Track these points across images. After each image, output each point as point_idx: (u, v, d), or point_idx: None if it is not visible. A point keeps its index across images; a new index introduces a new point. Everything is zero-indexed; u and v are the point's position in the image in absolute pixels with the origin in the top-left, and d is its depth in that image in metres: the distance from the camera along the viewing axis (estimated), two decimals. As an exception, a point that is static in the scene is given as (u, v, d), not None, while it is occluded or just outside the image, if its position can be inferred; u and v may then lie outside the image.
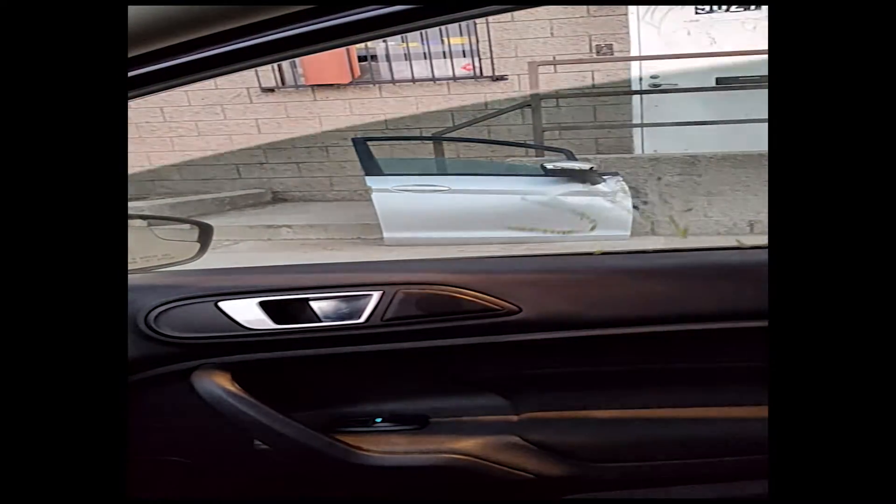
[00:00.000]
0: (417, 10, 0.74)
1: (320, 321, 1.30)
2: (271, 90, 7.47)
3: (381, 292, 1.29)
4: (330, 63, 7.24)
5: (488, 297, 1.29)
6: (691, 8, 6.73)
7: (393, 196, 5.08)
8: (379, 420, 1.44)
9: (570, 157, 5.52)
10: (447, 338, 1.33)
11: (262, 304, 1.29)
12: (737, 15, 6.67)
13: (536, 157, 6.01)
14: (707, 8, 6.69)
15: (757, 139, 5.84)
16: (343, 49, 7.09)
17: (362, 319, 1.29)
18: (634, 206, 5.21)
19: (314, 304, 1.30)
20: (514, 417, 1.43)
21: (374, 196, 5.07)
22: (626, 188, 5.16)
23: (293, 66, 7.47)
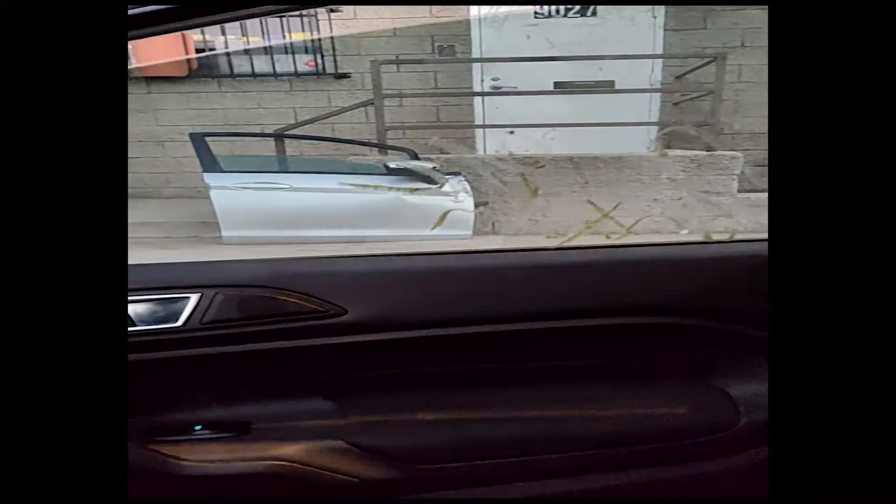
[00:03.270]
0: None
1: (134, 325, 1.23)
2: (101, 81, 7.07)
3: (200, 294, 1.25)
4: (165, 55, 6.95)
5: (313, 299, 1.27)
6: (531, 12, 6.92)
7: (232, 193, 4.94)
8: (198, 428, 1.38)
9: (413, 156, 5.56)
10: (270, 340, 1.30)
11: None
12: (574, 20, 6.92)
13: (380, 156, 6.02)
14: (546, 12, 6.91)
15: (594, 142, 6.13)
16: (179, 40, 6.83)
17: (179, 323, 1.24)
18: (476, 206, 5.30)
19: (128, 308, 1.24)
20: (341, 421, 1.41)
21: (212, 193, 4.91)
22: (469, 188, 5.25)
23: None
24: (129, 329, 1.23)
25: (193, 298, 1.25)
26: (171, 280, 1.28)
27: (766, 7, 0.64)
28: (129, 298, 1.24)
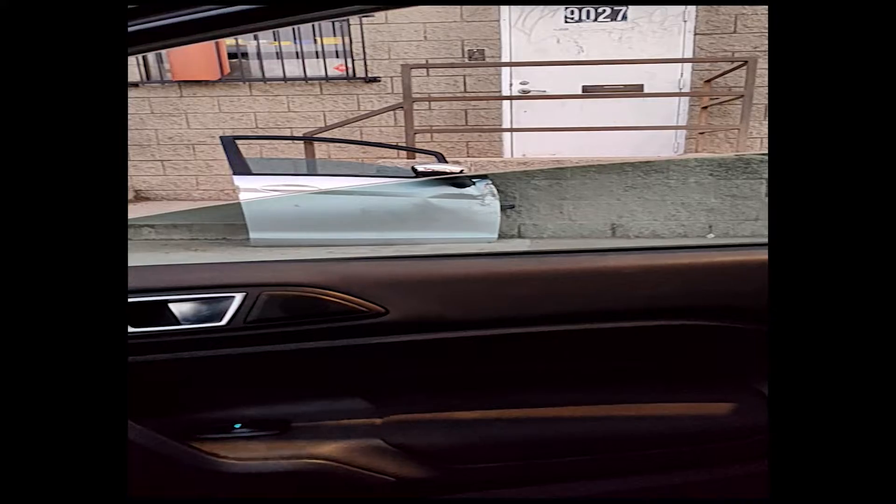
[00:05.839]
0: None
1: (179, 324, 1.25)
2: (135, 85, 7.19)
3: (244, 294, 1.26)
4: (198, 58, 7.04)
5: (354, 299, 1.28)
6: (561, 16, 6.91)
7: (261, 196, 4.98)
8: (238, 426, 1.39)
9: (441, 159, 5.57)
10: (311, 340, 1.31)
11: None
12: (604, 25, 6.90)
13: (408, 159, 6.04)
14: (576, 17, 6.90)
15: (619, 145, 6.11)
16: (212, 45, 6.90)
17: (224, 322, 1.25)
18: (502, 209, 5.29)
19: (173, 306, 1.25)
20: (378, 420, 1.41)
21: (241, 196, 4.96)
22: (495, 191, 5.25)
23: (159, 60, 7.23)
24: (174, 328, 1.24)
25: (238, 298, 1.25)
26: (215, 280, 1.29)
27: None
28: (175, 298, 1.25)
